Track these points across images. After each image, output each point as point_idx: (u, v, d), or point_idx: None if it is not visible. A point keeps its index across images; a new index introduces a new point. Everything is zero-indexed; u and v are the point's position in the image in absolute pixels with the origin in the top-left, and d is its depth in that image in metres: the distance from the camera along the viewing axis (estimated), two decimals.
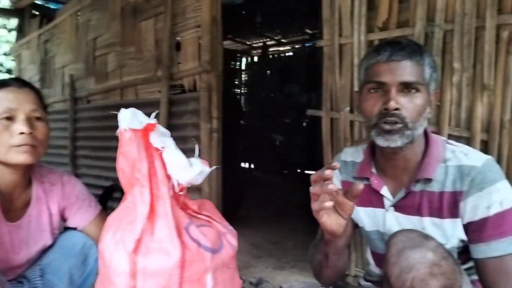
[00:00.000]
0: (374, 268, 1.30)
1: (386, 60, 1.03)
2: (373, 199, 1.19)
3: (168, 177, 1.12)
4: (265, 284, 2.21)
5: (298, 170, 6.96)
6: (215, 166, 1.28)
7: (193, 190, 2.89)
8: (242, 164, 6.91)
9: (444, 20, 1.76)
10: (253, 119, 7.43)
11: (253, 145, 6.91)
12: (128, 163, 1.10)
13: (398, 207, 1.13)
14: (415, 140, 1.06)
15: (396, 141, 1.02)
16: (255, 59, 8.40)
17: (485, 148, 1.68)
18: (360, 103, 1.12)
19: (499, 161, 1.64)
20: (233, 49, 8.07)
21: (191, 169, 1.12)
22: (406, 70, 1.02)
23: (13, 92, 1.24)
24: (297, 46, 7.70)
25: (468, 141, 1.70)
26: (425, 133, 1.12)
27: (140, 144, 1.10)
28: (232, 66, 7.98)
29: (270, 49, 7.99)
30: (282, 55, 8.11)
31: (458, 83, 1.73)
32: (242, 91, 8.23)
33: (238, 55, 8.26)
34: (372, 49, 1.12)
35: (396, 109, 1.01)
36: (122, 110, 1.10)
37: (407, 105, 1.02)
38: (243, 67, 8.45)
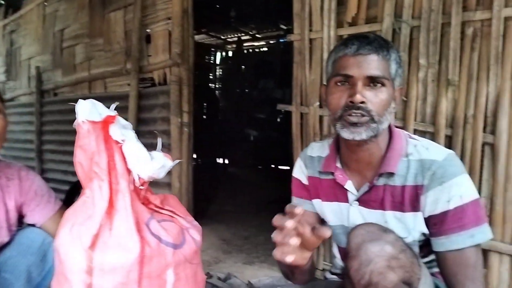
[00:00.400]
0: (340, 262, 1.30)
1: (353, 53, 1.03)
2: (337, 193, 1.19)
3: (129, 171, 1.09)
4: (234, 279, 2.19)
5: (272, 165, 6.99)
6: (178, 160, 1.25)
7: (163, 185, 2.84)
8: (217, 160, 6.89)
9: (411, 16, 1.78)
10: (227, 114, 7.40)
11: (227, 140, 6.88)
12: (86, 156, 1.07)
13: (362, 201, 1.14)
14: (379, 134, 1.06)
15: (361, 134, 1.02)
16: (230, 54, 8.35)
17: (449, 143, 1.71)
18: (327, 96, 1.12)
19: (462, 155, 1.68)
20: (207, 43, 8.00)
21: (152, 163, 1.10)
22: (372, 64, 1.02)
23: None
24: (272, 42, 7.70)
25: (433, 136, 1.73)
26: (389, 128, 1.13)
27: (99, 136, 1.06)
28: (206, 61, 7.94)
29: (245, 44, 7.97)
30: (257, 50, 8.10)
31: (424, 79, 1.75)
32: (217, 86, 8.19)
33: (213, 49, 8.21)
34: (340, 42, 1.12)
35: (362, 102, 1.01)
36: (81, 101, 1.06)
37: (372, 99, 1.02)
38: (217, 61, 8.39)
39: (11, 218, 1.37)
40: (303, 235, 0.84)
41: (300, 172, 1.33)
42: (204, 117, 6.60)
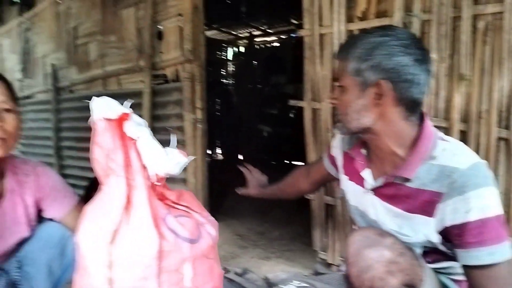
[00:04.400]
0: None
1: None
2: (358, 176, 1.22)
3: (144, 167, 1.11)
4: (250, 274, 2.22)
5: (286, 161, 6.98)
6: (193, 157, 1.28)
7: (179, 181, 2.88)
8: (230, 155, 6.91)
9: (422, 10, 1.77)
10: (240, 109, 7.40)
11: (240, 136, 6.89)
12: (103, 153, 1.09)
13: (377, 192, 1.15)
14: (364, 132, 1.10)
15: (338, 129, 1.17)
16: (241, 49, 8.35)
17: (463, 138, 1.70)
18: None
19: (477, 151, 1.65)
20: (218, 39, 8.01)
21: (167, 159, 1.12)
22: (337, 68, 1.11)
23: None
24: (283, 37, 7.67)
25: (447, 131, 1.72)
26: (422, 128, 1.07)
27: (114, 133, 1.09)
28: (218, 56, 7.95)
29: (256, 40, 7.95)
30: (269, 45, 8.07)
31: (436, 73, 1.75)
32: (229, 82, 8.20)
33: (224, 45, 8.21)
34: None
35: (334, 104, 1.14)
36: (95, 99, 1.08)
37: (338, 100, 1.11)
38: (229, 57, 8.40)
39: (30, 214, 1.42)
40: None
41: (336, 140, 1.42)
42: (217, 113, 6.62)
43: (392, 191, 1.10)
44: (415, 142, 1.06)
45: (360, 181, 1.21)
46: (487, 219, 0.94)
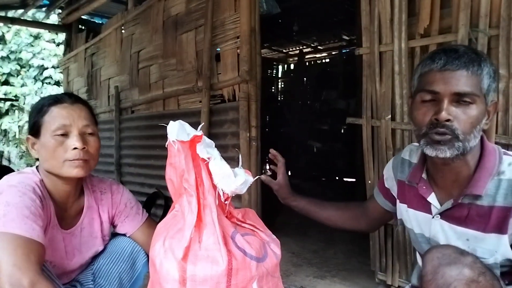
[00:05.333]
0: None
1: (440, 68, 1.02)
2: (422, 203, 1.19)
3: (214, 187, 1.16)
4: None
5: (336, 178, 6.89)
6: (258, 176, 1.31)
7: (233, 198, 2.91)
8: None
9: (488, 25, 1.72)
10: (290, 125, 7.44)
11: (290, 152, 6.91)
12: (177, 173, 1.16)
13: (445, 216, 1.12)
14: (468, 152, 1.03)
15: (445, 152, 1.01)
16: (292, 66, 8.42)
17: None
18: (412, 110, 1.11)
19: None
20: (269, 57, 8.14)
21: (235, 179, 1.16)
22: (461, 80, 0.99)
23: (66, 108, 1.31)
24: (333, 53, 7.66)
25: None
26: (482, 144, 1.08)
27: (187, 155, 1.15)
28: (269, 74, 8.08)
29: (307, 56, 8.00)
30: (319, 61, 8.09)
31: (505, 90, 1.68)
32: (280, 98, 8.28)
33: (275, 63, 8.33)
34: (428, 56, 1.10)
35: (448, 120, 0.99)
36: (171, 122, 1.15)
37: (460, 116, 0.99)
38: (279, 74, 8.50)
39: (104, 229, 1.50)
40: None
41: (387, 170, 1.39)
42: (268, 129, 6.69)
43: (462, 213, 1.07)
44: (480, 159, 1.06)
45: (424, 207, 1.18)
46: None
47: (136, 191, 4.02)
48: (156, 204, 3.64)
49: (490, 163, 1.05)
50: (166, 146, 1.15)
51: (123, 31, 4.35)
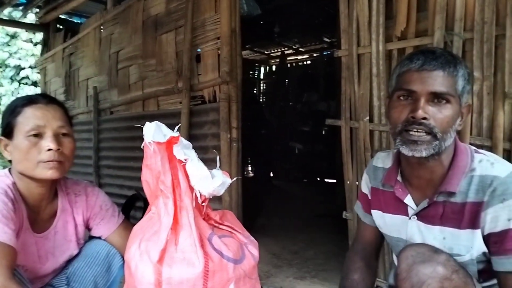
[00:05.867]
0: None
1: (418, 68, 1.04)
2: (397, 206, 1.20)
3: (191, 189, 1.15)
4: None
5: (318, 179, 6.94)
6: (236, 177, 1.31)
7: (214, 199, 2.91)
8: (262, 173, 6.93)
9: (463, 28, 1.75)
10: (272, 127, 7.46)
11: (272, 154, 6.92)
12: (153, 175, 1.14)
13: (421, 216, 1.14)
14: (442, 152, 1.05)
15: (421, 152, 1.02)
16: (273, 68, 8.45)
17: (508, 158, 1.66)
18: (389, 109, 1.13)
19: None
20: (251, 58, 8.15)
21: (213, 181, 1.15)
22: (437, 80, 1.01)
23: (41, 109, 1.28)
24: (315, 55, 7.72)
25: (491, 150, 1.67)
26: (455, 144, 1.11)
27: (164, 156, 1.13)
28: (250, 76, 8.08)
29: (288, 58, 8.04)
30: (300, 63, 8.14)
31: (479, 92, 1.71)
32: (261, 100, 8.30)
33: (256, 64, 8.34)
34: (406, 56, 1.13)
35: (424, 118, 1.01)
36: (147, 123, 1.14)
37: (436, 115, 1.02)
38: (261, 76, 8.52)
39: (79, 232, 1.47)
40: None
41: (365, 186, 1.37)
42: (249, 131, 6.69)
43: (438, 211, 1.10)
44: (453, 158, 1.09)
45: (400, 210, 1.19)
46: None
47: (115, 193, 3.96)
48: (136, 206, 3.59)
49: (463, 161, 1.08)
50: (142, 147, 1.14)
51: (102, 31, 4.28)
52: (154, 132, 1.13)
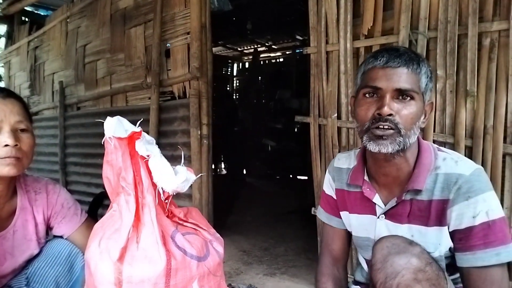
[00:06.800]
0: (366, 271, 1.32)
1: (382, 65, 1.05)
2: (365, 206, 1.21)
3: (154, 185, 1.12)
4: None
5: (290, 176, 6.98)
6: (201, 174, 1.29)
7: (184, 197, 2.88)
8: (235, 170, 6.92)
9: (427, 27, 1.79)
10: (245, 124, 7.45)
11: (245, 151, 6.92)
12: (114, 171, 1.11)
13: (389, 215, 1.15)
14: (407, 149, 1.06)
15: (387, 147, 1.03)
16: (247, 65, 8.44)
17: (469, 154, 1.70)
18: (355, 107, 1.13)
19: (483, 166, 1.65)
20: (224, 55, 8.11)
21: (176, 177, 1.13)
22: (402, 77, 1.03)
23: None
24: (287, 52, 7.75)
25: (453, 147, 1.72)
26: (418, 142, 1.13)
27: (125, 152, 1.10)
28: (223, 72, 8.05)
29: (261, 55, 8.04)
30: (273, 61, 8.16)
31: (442, 90, 1.76)
32: (234, 97, 8.28)
33: (230, 61, 8.31)
34: (370, 54, 1.14)
35: (390, 114, 1.02)
36: (108, 118, 1.11)
37: (401, 111, 1.03)
38: (234, 73, 8.49)
39: (40, 231, 1.42)
40: None
41: (328, 186, 1.35)
42: (222, 128, 6.67)
43: (405, 209, 1.11)
44: (418, 155, 1.11)
45: (368, 209, 1.20)
46: (493, 222, 0.98)
47: (83, 191, 3.87)
48: (104, 204, 3.51)
49: (427, 159, 1.10)
50: (102, 143, 1.10)
51: (68, 24, 4.16)
52: (115, 127, 1.09)
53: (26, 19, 5.22)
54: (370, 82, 1.06)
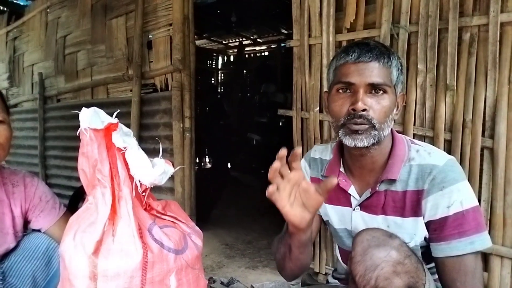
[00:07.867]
0: (342, 264, 1.32)
1: (354, 61, 1.05)
2: (341, 197, 1.21)
3: (131, 178, 1.10)
4: (237, 283, 2.21)
5: None
6: (179, 167, 1.27)
7: (166, 190, 2.86)
8: (219, 164, 6.90)
9: (409, 22, 1.80)
10: (229, 118, 7.42)
11: (229, 145, 6.89)
12: (89, 163, 1.08)
13: (364, 206, 1.15)
14: (382, 141, 1.07)
15: (362, 141, 1.04)
16: (231, 58, 8.39)
17: (448, 148, 1.73)
18: (329, 103, 1.13)
19: (462, 160, 1.69)
20: (209, 48, 8.05)
21: (154, 170, 1.11)
22: (374, 71, 1.03)
23: None
24: (272, 46, 7.73)
25: (432, 141, 1.74)
26: (391, 134, 1.14)
27: (101, 144, 1.08)
28: (208, 65, 7.98)
29: (247, 49, 8.00)
30: (258, 54, 8.13)
31: (422, 84, 1.77)
32: (219, 90, 8.23)
33: (214, 54, 8.26)
34: (341, 50, 1.13)
35: (364, 109, 1.02)
36: (83, 109, 1.08)
37: (374, 106, 1.03)
38: (219, 66, 8.44)
39: (17, 224, 1.39)
40: (307, 189, 0.94)
41: (304, 172, 1.35)
42: (206, 121, 6.63)
43: (380, 200, 1.12)
44: (392, 147, 1.12)
45: (343, 201, 1.20)
46: (467, 211, 1.00)
47: (63, 184, 3.81)
48: (84, 198, 3.46)
49: (401, 150, 1.11)
50: (77, 134, 1.08)
51: (48, 14, 4.07)
52: (91, 118, 1.07)
53: (5, 9, 5.10)
54: (343, 78, 1.06)
